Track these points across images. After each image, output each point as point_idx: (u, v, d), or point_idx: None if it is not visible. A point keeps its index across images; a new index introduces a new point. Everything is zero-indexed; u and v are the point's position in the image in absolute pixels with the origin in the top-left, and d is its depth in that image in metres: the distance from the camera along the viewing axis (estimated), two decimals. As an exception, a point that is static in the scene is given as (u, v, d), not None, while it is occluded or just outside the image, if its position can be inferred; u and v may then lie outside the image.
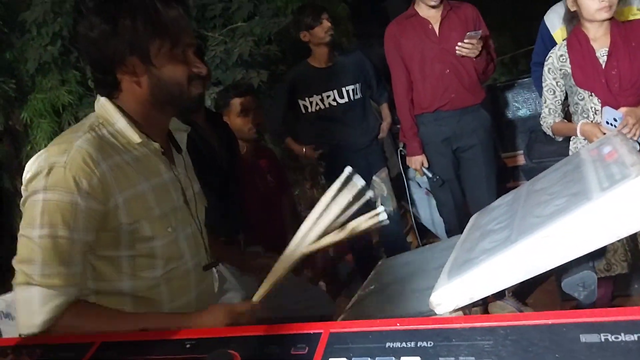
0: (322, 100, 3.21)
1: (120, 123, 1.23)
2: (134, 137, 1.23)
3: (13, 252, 1.18)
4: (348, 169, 1.26)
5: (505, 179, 3.98)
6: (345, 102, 3.20)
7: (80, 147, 1.14)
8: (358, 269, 3.39)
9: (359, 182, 1.24)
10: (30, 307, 1.09)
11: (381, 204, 3.34)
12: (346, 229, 1.25)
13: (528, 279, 1.07)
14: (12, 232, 3.98)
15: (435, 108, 2.93)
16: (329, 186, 1.25)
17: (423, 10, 2.94)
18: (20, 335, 1.08)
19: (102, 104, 1.26)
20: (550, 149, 3.31)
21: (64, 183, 1.11)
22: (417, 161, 3.02)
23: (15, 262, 1.13)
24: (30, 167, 1.16)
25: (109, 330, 1.07)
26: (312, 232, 1.24)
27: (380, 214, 1.29)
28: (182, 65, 1.23)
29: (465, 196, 3.10)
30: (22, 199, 1.16)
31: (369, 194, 1.25)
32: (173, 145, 1.38)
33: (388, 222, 1.30)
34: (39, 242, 1.10)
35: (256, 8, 4.47)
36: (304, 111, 3.27)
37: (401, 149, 3.21)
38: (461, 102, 2.93)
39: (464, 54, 2.82)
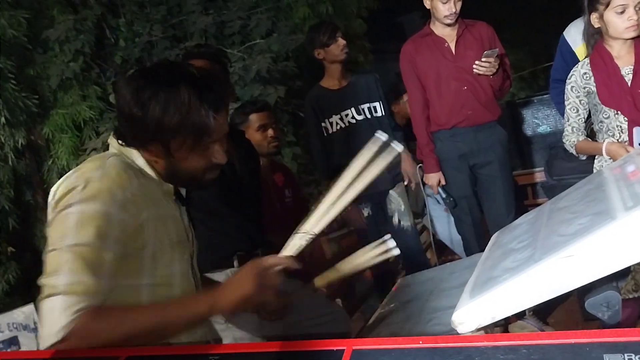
0: (341, 119, 3.22)
1: (140, 161, 1.26)
2: (153, 174, 1.26)
3: (34, 265, 1.19)
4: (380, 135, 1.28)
5: (525, 196, 3.96)
6: (364, 119, 3.20)
7: (112, 163, 1.18)
8: (376, 285, 3.38)
9: (397, 146, 1.26)
10: (52, 316, 1.07)
11: (399, 218, 3.32)
12: (354, 263, 1.33)
13: (550, 299, 1.06)
14: (33, 246, 4.04)
15: (452, 125, 2.94)
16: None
17: (438, 29, 2.96)
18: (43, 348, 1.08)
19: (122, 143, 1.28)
20: (571, 166, 3.28)
21: (99, 195, 1.12)
22: (433, 178, 3.02)
23: (41, 279, 1.12)
24: (58, 187, 1.18)
25: (135, 329, 1.07)
26: (346, 195, 1.27)
27: (392, 249, 1.32)
28: (202, 158, 1.25)
29: (483, 213, 3.09)
30: (50, 219, 1.16)
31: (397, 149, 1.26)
32: (178, 197, 1.38)
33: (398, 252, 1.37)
34: (68, 250, 1.09)
35: (274, 25, 4.54)
36: (325, 134, 3.27)
37: (420, 164, 3.21)
38: (478, 119, 2.93)
39: (481, 72, 2.84)
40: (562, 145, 2.66)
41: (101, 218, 1.11)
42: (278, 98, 4.26)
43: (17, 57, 3.88)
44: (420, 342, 0.78)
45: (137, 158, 1.26)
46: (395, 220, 3.33)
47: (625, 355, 0.68)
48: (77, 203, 1.12)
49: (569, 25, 2.98)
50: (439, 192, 3.04)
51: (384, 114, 3.25)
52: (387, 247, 1.36)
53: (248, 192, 2.24)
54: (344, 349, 0.81)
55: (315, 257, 4.27)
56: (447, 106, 2.93)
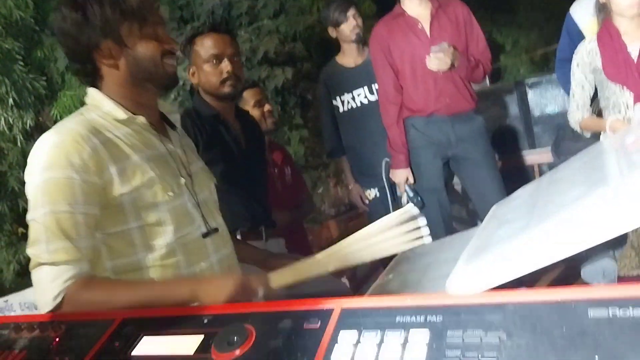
0: (353, 98, 3.18)
1: (107, 105, 1.31)
2: (120, 114, 1.30)
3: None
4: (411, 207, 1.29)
5: (532, 176, 3.95)
6: (376, 100, 3.16)
7: (70, 129, 1.22)
8: (380, 262, 3.37)
9: (421, 221, 1.29)
10: (42, 285, 1.14)
11: (407, 198, 3.25)
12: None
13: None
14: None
15: (430, 112, 2.75)
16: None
17: (410, 8, 2.74)
18: None
19: (90, 92, 1.35)
20: (578, 146, 3.24)
21: (57, 161, 1.17)
22: (401, 175, 2.81)
23: (27, 249, 1.20)
24: (29, 159, 1.23)
25: (121, 302, 1.10)
26: (356, 249, 1.27)
27: (425, 236, 1.30)
28: (154, 42, 1.31)
29: (474, 205, 2.93)
30: (26, 188, 1.22)
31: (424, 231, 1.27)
32: (167, 123, 1.45)
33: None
34: (42, 220, 1.15)
35: (282, 6, 4.52)
36: (335, 112, 3.25)
37: (387, 159, 2.96)
38: (456, 107, 2.74)
39: (433, 68, 2.65)
40: (570, 125, 2.64)
41: (64, 183, 1.16)
42: (285, 80, 4.26)
43: (24, 38, 3.90)
44: (408, 300, 0.79)
45: (105, 103, 1.30)
46: (405, 199, 3.24)
47: (610, 309, 0.68)
48: (38, 172, 1.18)
49: (574, 3, 2.94)
50: (405, 191, 2.83)
51: None
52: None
53: (253, 170, 2.25)
54: (333, 308, 0.82)
55: (323, 237, 4.29)
56: (423, 93, 2.73)
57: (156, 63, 1.31)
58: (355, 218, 4.77)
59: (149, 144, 1.32)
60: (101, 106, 1.31)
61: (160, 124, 1.42)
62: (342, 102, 3.20)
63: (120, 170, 1.22)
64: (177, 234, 1.28)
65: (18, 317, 1.04)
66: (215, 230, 1.39)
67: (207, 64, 2.11)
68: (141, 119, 1.32)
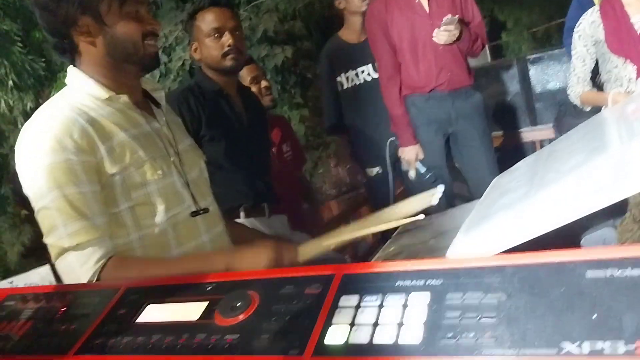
0: (357, 75, 3.16)
1: (88, 85, 1.27)
2: (102, 93, 1.27)
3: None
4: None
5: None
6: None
7: (54, 112, 1.20)
8: (382, 239, 3.39)
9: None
10: (73, 274, 1.12)
11: (417, 170, 3.21)
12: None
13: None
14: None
15: (431, 88, 2.75)
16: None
17: None
18: None
19: (70, 72, 1.31)
20: (580, 122, 3.24)
21: (50, 146, 1.15)
22: (411, 152, 2.81)
23: (44, 240, 1.17)
24: (17, 150, 1.21)
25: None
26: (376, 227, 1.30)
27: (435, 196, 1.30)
28: (135, 22, 1.27)
29: (467, 182, 2.96)
30: (21, 177, 1.20)
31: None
32: (152, 101, 1.41)
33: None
34: (53, 205, 1.13)
35: (281, -17, 4.49)
36: (339, 89, 3.24)
37: (392, 139, 2.95)
38: (457, 83, 2.76)
39: (442, 42, 2.65)
40: (571, 101, 2.63)
41: (64, 166, 1.14)
42: (285, 58, 4.24)
43: (23, 19, 3.89)
44: (409, 265, 0.80)
45: (86, 83, 1.27)
46: (412, 175, 3.19)
47: (608, 270, 0.69)
48: (35, 161, 1.16)
49: None
50: (416, 168, 2.83)
51: None
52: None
53: (256, 146, 2.26)
54: (334, 274, 0.83)
55: (324, 217, 4.30)
56: (425, 69, 2.73)
57: (136, 44, 1.27)
58: (356, 198, 4.77)
59: (134, 123, 1.30)
60: (82, 86, 1.28)
61: (144, 103, 1.39)
62: (347, 79, 3.19)
63: (110, 150, 1.21)
64: (167, 213, 1.27)
65: (24, 288, 1.05)
66: (206, 210, 1.38)
67: (208, 38, 2.12)
68: (124, 98, 1.30)
